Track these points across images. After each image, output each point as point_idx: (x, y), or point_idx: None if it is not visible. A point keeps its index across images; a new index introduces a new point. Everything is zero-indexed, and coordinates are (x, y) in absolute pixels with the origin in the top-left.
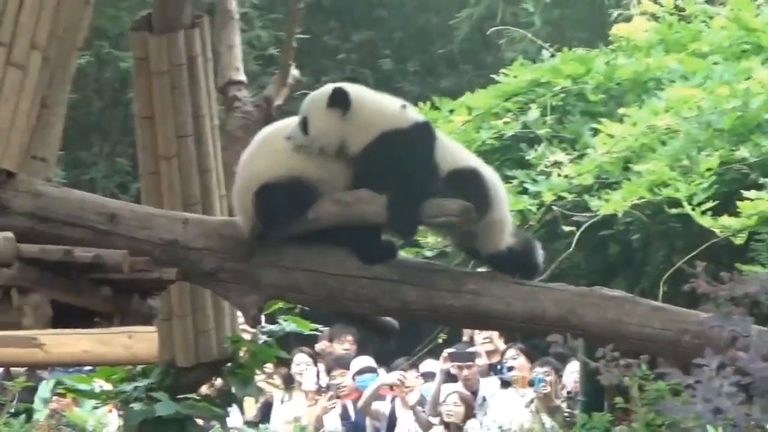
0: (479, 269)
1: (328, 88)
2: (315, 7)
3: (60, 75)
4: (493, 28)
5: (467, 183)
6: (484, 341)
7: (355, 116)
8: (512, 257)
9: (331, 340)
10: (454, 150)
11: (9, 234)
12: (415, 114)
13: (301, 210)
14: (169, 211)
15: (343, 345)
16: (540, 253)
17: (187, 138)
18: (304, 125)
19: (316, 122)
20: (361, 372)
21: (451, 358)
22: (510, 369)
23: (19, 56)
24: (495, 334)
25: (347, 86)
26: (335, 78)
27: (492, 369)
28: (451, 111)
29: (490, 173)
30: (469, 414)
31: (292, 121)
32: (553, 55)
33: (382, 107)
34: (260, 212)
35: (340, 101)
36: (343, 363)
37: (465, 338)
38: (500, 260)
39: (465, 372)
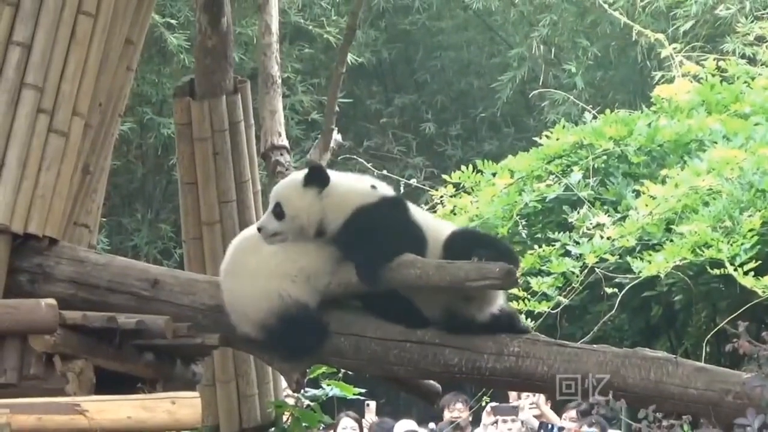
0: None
1: (297, 173)
2: (357, 71)
3: (102, 141)
4: (536, 91)
5: (485, 243)
6: (531, 407)
7: (330, 194)
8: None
9: (443, 408)
10: (431, 221)
11: (52, 301)
12: (385, 190)
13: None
14: (212, 277)
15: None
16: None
17: (230, 204)
18: (277, 212)
19: (294, 203)
20: None
21: (495, 411)
22: (561, 429)
23: (61, 123)
24: (541, 399)
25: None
26: (377, 142)
27: (542, 428)
28: (494, 174)
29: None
30: None
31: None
32: (595, 117)
33: (354, 184)
34: (275, 347)
35: (317, 178)
36: (386, 428)
37: (512, 401)
38: (495, 324)
39: (508, 426)
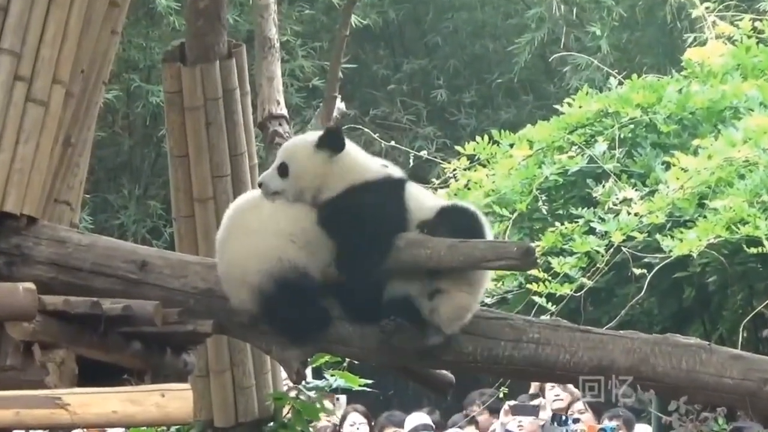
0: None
1: (312, 133)
2: (362, 33)
3: (85, 111)
4: (556, 55)
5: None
6: (556, 399)
7: (338, 162)
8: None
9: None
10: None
11: (30, 285)
12: (396, 172)
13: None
14: (205, 258)
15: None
16: None
17: (224, 178)
18: (282, 170)
19: (301, 163)
20: (415, 430)
21: (513, 411)
22: (576, 421)
23: (41, 92)
24: (569, 389)
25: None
26: (384, 111)
27: (555, 420)
28: (511, 145)
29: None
30: None
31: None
32: (621, 83)
33: (365, 159)
34: (268, 317)
35: (333, 142)
36: (396, 421)
37: (532, 390)
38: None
39: (527, 427)
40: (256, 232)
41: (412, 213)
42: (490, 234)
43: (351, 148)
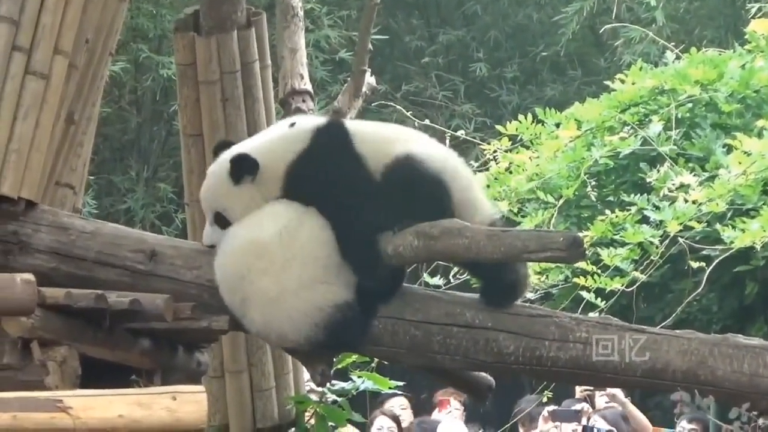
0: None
1: (217, 167)
2: (394, 1)
3: (89, 85)
4: (607, 26)
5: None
6: (607, 405)
7: (261, 173)
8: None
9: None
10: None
11: (29, 276)
12: (310, 122)
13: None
14: None
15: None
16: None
17: None
18: (220, 220)
19: (235, 207)
20: None
21: (553, 417)
22: None
23: (41, 63)
24: (619, 394)
25: (237, 149)
26: (418, 86)
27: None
28: (557, 125)
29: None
30: None
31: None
32: (678, 58)
33: (274, 135)
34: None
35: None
36: (428, 428)
37: (578, 395)
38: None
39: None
40: (278, 299)
41: (368, 159)
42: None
43: (259, 146)
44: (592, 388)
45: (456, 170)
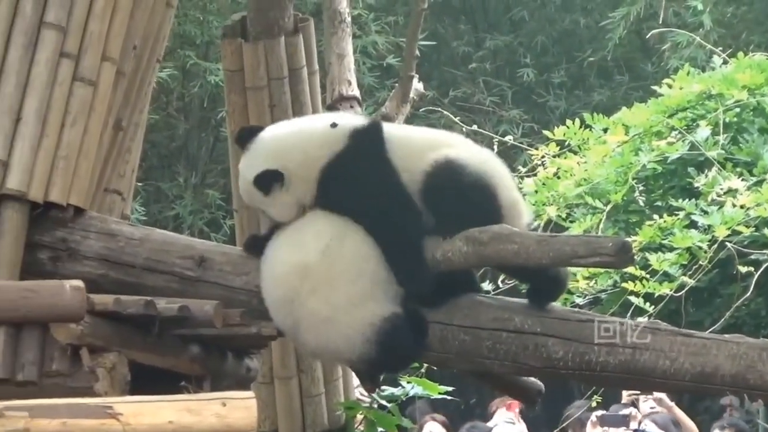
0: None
1: (246, 174)
2: (442, 7)
3: (137, 91)
4: (654, 31)
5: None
6: (652, 411)
7: (290, 177)
8: None
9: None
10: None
11: (78, 283)
12: (351, 121)
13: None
14: None
15: None
16: None
17: None
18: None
19: (272, 209)
20: None
21: (601, 422)
22: None
23: (89, 70)
24: (665, 398)
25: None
26: (466, 92)
27: None
28: (605, 130)
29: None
30: None
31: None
32: (725, 62)
33: (312, 139)
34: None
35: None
36: None
37: (625, 399)
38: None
39: None
40: (329, 319)
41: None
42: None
43: (286, 149)
44: (638, 392)
45: (499, 172)
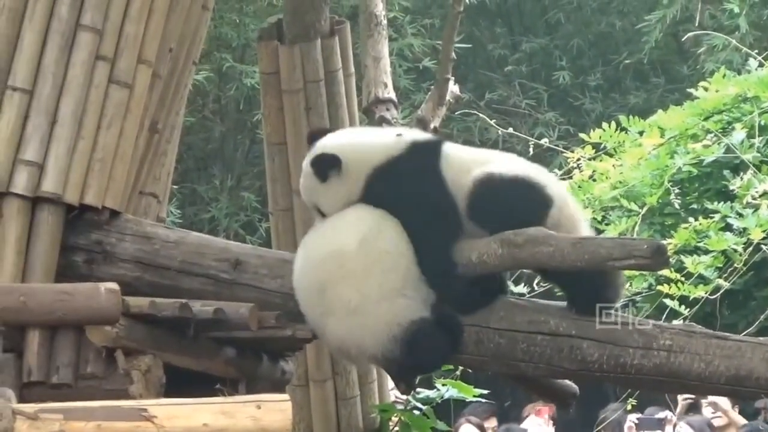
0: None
1: (305, 165)
2: (477, 10)
3: (173, 94)
4: (690, 34)
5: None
6: (714, 416)
7: (346, 167)
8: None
9: None
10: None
11: (113, 285)
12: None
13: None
14: None
15: None
16: None
17: None
18: (321, 213)
19: (325, 201)
20: None
21: (638, 426)
22: None
23: (124, 72)
24: (722, 402)
25: (328, 141)
26: (501, 94)
27: None
28: (641, 132)
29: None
30: None
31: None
32: (761, 65)
33: (373, 142)
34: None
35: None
36: None
37: (681, 402)
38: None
39: None
40: (358, 309)
41: (452, 183)
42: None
43: (354, 135)
44: (693, 396)
45: (544, 186)
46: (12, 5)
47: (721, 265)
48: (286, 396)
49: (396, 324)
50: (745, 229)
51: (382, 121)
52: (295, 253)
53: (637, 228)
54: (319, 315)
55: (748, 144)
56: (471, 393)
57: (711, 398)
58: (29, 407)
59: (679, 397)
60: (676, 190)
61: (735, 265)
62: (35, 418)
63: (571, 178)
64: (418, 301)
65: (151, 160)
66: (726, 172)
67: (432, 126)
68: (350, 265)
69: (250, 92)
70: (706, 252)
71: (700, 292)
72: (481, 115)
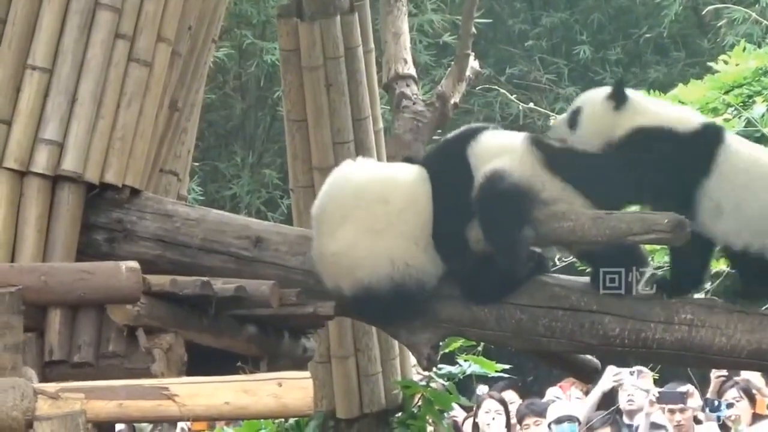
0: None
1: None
2: None
3: (193, 72)
4: (710, 7)
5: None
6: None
7: (630, 109)
8: None
9: None
10: None
11: (134, 263)
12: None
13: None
14: None
15: None
16: None
17: (346, 145)
18: (572, 119)
19: (587, 112)
20: (559, 421)
21: (659, 399)
22: (730, 406)
23: (144, 51)
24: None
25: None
26: (522, 69)
27: (707, 405)
28: None
29: None
30: None
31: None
32: None
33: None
34: (363, 307)
35: (615, 95)
36: (537, 410)
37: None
38: None
39: (676, 417)
40: (381, 232)
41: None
42: None
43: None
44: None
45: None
46: None
47: None
48: (307, 373)
49: (405, 264)
50: None
51: (402, 97)
52: None
53: None
54: (340, 217)
55: None
56: (493, 368)
57: (744, 374)
58: (51, 386)
59: (712, 375)
60: None
61: None
62: (57, 398)
63: None
64: (423, 258)
65: (171, 138)
66: None
67: (452, 102)
68: (394, 201)
69: (271, 69)
70: None
71: (722, 266)
72: (501, 90)
